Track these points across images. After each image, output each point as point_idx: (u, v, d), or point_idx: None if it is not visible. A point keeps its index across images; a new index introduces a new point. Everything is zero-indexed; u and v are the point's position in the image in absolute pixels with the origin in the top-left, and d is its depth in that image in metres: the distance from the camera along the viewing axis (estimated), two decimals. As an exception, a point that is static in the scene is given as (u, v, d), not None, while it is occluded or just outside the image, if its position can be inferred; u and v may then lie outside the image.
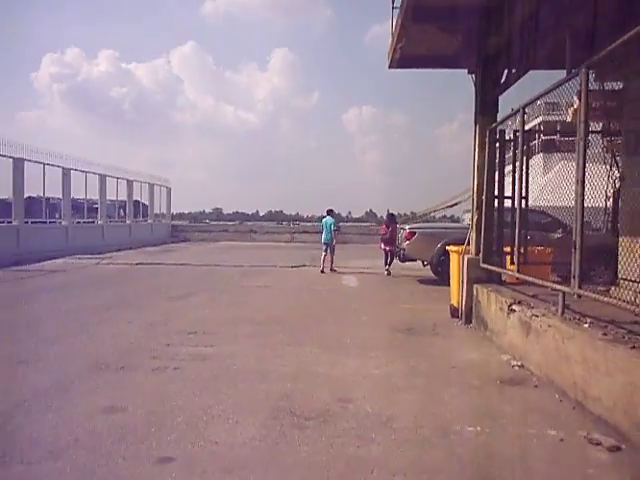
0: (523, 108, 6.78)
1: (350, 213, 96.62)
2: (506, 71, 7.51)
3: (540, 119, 37.23)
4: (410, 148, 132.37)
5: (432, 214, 46.34)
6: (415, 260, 13.09)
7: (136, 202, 27.30)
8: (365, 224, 53.61)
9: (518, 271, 6.50)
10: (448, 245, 12.11)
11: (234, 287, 11.77)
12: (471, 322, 7.65)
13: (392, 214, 15.29)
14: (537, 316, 5.14)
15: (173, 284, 12.41)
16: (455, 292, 8.33)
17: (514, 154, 7.75)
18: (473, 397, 4.64)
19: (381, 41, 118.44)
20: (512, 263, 7.46)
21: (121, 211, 26.87)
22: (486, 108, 7.79)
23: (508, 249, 7.59)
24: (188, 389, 4.70)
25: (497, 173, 7.75)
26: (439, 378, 5.16)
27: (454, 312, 8.26)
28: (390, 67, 9.23)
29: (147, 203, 28.91)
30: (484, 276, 7.63)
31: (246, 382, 4.92)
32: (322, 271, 14.79)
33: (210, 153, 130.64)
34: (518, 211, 7.37)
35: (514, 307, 5.90)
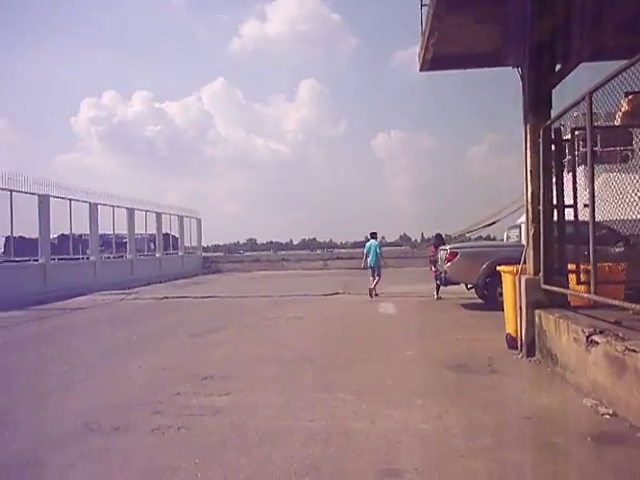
0: (590, 95, 5.66)
1: (384, 238, 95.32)
2: (560, 60, 6.45)
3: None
4: (439, 171, 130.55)
5: (468, 234, 44.80)
6: (458, 283, 11.88)
7: (165, 235, 26.88)
8: (400, 248, 52.46)
9: (594, 292, 5.31)
10: (494, 265, 10.95)
11: (261, 320, 10.79)
12: (534, 355, 6.44)
13: (440, 235, 14.27)
14: (635, 351, 3.96)
15: (197, 319, 11.52)
16: (511, 319, 7.14)
17: (573, 156, 6.64)
18: (562, 465, 3.48)
19: (407, 66, 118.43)
20: (579, 283, 6.30)
21: (151, 245, 26.47)
22: (538, 104, 6.71)
23: (571, 267, 6.43)
24: (189, 459, 3.68)
25: (555, 178, 6.61)
26: (511, 436, 4.01)
27: (511, 342, 7.07)
28: (422, 69, 8.27)
29: (177, 235, 28.49)
30: (546, 299, 6.44)
31: (263, 447, 3.88)
32: (371, 295, 14.24)
33: (243, 185, 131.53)
34: (591, 222, 6.24)
35: (595, 338, 4.71)
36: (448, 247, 11.56)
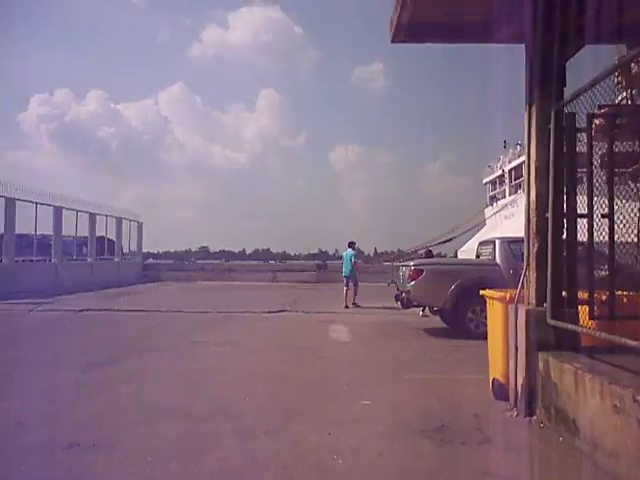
0: (630, 60, 4.03)
1: (337, 251, 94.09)
2: (581, 22, 4.85)
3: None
4: (395, 186, 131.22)
5: (420, 252, 43.83)
6: (422, 306, 10.19)
7: (100, 238, 24.29)
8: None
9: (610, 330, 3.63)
10: (465, 286, 9.35)
11: (186, 345, 8.74)
12: (534, 413, 4.73)
13: (430, 250, 12.94)
14: None
15: (109, 340, 9.34)
16: (500, 361, 5.43)
17: (589, 148, 5.00)
18: None
19: (365, 82, 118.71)
20: (593, 317, 4.67)
21: (84, 248, 23.82)
22: (548, 80, 5.04)
23: (582, 295, 4.81)
24: None
25: (568, 178, 4.96)
26: None
27: (500, 392, 5.36)
28: (394, 40, 6.52)
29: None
30: (553, 339, 4.75)
31: None
32: (346, 306, 14.37)
33: (198, 192, 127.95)
34: (610, 237, 4.65)
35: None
36: (412, 263, 9.85)
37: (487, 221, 42.10)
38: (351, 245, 15.59)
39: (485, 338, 9.19)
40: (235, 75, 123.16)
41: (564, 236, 4.91)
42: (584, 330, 4.37)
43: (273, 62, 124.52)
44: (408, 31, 6.25)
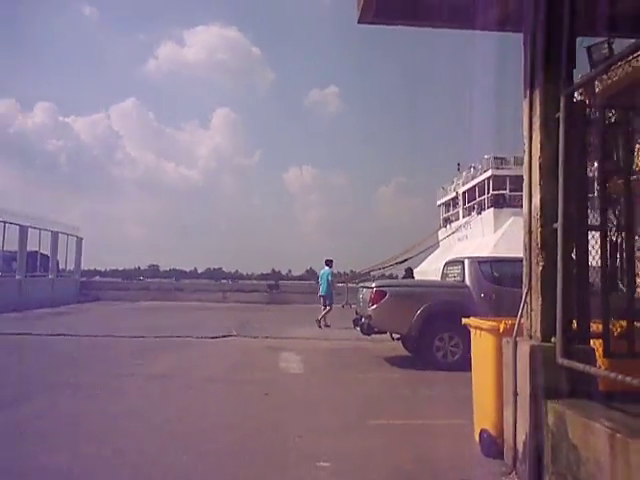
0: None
1: (290, 271, 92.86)
2: None
3: (490, 173, 35.26)
4: (349, 208, 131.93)
5: (373, 273, 43.22)
6: (384, 332, 9.08)
7: (33, 253, 22.13)
8: (306, 282, 49.83)
9: None
10: (432, 310, 8.33)
11: (109, 379, 7.27)
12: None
13: (410, 269, 12.03)
14: None
15: (12, 373, 7.75)
16: (490, 408, 4.34)
17: (602, 140, 4.00)
18: None
19: (320, 105, 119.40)
20: (608, 354, 3.70)
21: (13, 264, 21.61)
22: (555, 59, 4.05)
23: (595, 326, 3.83)
24: None
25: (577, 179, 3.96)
26: None
27: (490, 446, 4.25)
28: (361, 21, 5.47)
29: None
30: (565, 383, 3.69)
31: None
32: (319, 326, 14.14)
33: (150, 209, 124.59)
34: (628, 252, 3.70)
35: None
36: (373, 284, 8.74)
37: (440, 243, 41.99)
38: (328, 263, 14.83)
39: (454, 369, 8.20)
40: (190, 92, 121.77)
41: (574, 253, 3.91)
42: (611, 375, 3.31)
43: (229, 81, 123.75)
44: (378, 10, 5.21)
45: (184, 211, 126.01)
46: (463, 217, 38.76)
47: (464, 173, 39.77)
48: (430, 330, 8.33)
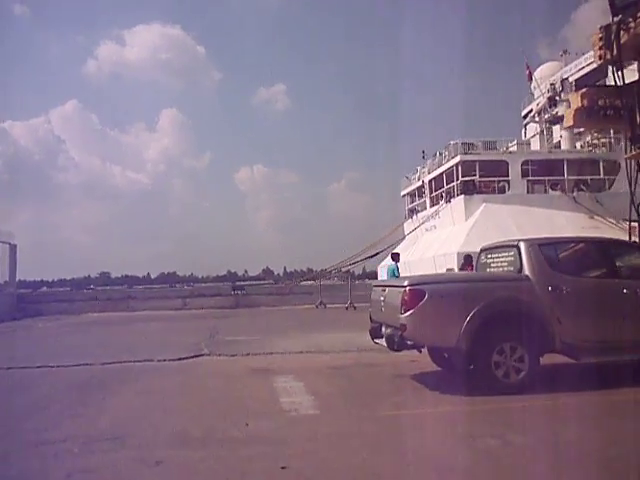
0: None
1: (246, 272, 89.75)
2: None
3: (458, 158, 33.52)
4: (302, 205, 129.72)
5: (343, 269, 40.93)
6: (421, 346, 6.62)
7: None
8: (263, 282, 47.05)
9: None
10: (489, 312, 6.03)
11: (29, 452, 4.55)
12: None
13: (469, 255, 9.93)
14: None
15: None
16: None
17: None
18: None
19: (268, 103, 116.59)
20: None
21: None
22: None
23: None
24: None
25: None
26: None
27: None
28: None
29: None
30: None
31: None
32: None
33: (98, 214, 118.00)
34: None
35: None
36: (406, 282, 6.30)
37: (407, 235, 40.07)
38: (395, 257, 12.86)
39: (521, 392, 5.92)
40: (134, 93, 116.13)
41: None
42: None
43: (175, 81, 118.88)
44: None
45: (134, 215, 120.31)
46: (431, 206, 36.96)
47: (429, 161, 37.97)
48: (487, 340, 6.02)
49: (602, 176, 31.46)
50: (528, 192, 31.78)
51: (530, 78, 38.14)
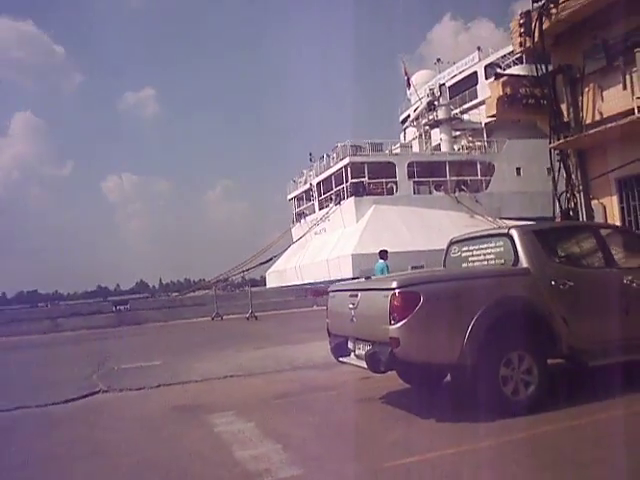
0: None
1: (119, 285, 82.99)
2: None
3: (347, 160, 33.15)
4: (176, 214, 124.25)
5: (234, 277, 38.69)
6: (416, 364, 5.18)
7: None
8: (140, 297, 43.13)
9: None
10: (495, 316, 4.83)
11: None
12: None
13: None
14: None
15: None
16: None
17: None
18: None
19: (136, 109, 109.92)
20: None
21: None
22: None
23: None
24: None
25: None
26: None
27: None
28: None
29: None
30: None
31: None
32: None
33: None
34: None
35: None
36: (394, 283, 4.86)
37: (295, 238, 39.00)
38: (383, 256, 11.87)
39: (532, 411, 4.80)
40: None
41: None
42: None
43: (29, 82, 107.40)
44: None
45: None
46: (319, 209, 36.29)
47: (316, 163, 37.31)
48: (493, 351, 4.81)
49: (479, 177, 33.19)
50: (414, 193, 32.46)
51: (408, 84, 39.36)
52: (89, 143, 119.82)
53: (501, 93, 11.21)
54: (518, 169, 32.73)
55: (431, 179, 32.93)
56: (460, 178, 33.26)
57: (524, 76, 12.06)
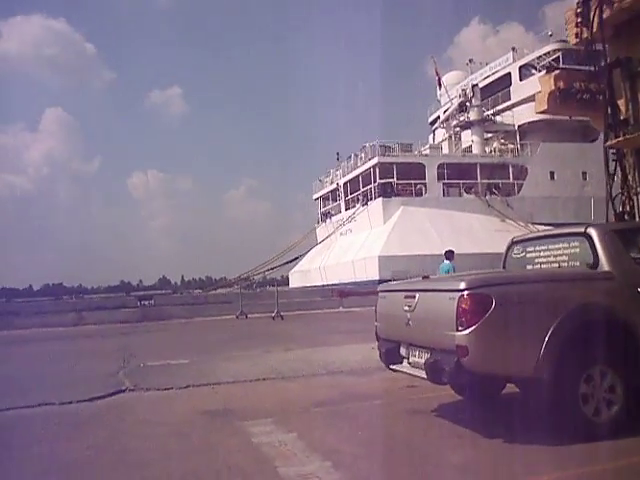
0: None
1: (141, 281, 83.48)
2: None
3: (376, 160, 32.50)
4: (199, 213, 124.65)
5: (257, 276, 38.32)
6: (488, 378, 4.57)
7: None
8: (163, 292, 43.17)
9: None
10: (575, 326, 4.18)
11: None
12: None
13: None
14: None
15: None
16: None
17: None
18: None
19: (163, 107, 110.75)
20: None
21: None
22: None
23: None
24: None
25: None
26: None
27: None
28: None
29: None
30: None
31: None
32: None
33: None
34: None
35: None
36: (462, 284, 4.28)
37: (319, 238, 38.47)
38: (449, 256, 11.83)
39: (619, 435, 4.10)
40: (12, 90, 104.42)
41: None
42: None
43: (60, 79, 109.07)
44: None
45: (13, 222, 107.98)
46: (346, 210, 35.69)
47: (343, 163, 36.71)
48: (573, 365, 4.19)
49: (511, 180, 32.22)
50: (444, 195, 31.66)
51: (439, 84, 38.50)
52: (116, 140, 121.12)
53: (553, 87, 10.48)
54: (552, 173, 31.68)
55: (461, 181, 32.08)
56: (491, 181, 32.35)
57: (579, 69, 11.32)
